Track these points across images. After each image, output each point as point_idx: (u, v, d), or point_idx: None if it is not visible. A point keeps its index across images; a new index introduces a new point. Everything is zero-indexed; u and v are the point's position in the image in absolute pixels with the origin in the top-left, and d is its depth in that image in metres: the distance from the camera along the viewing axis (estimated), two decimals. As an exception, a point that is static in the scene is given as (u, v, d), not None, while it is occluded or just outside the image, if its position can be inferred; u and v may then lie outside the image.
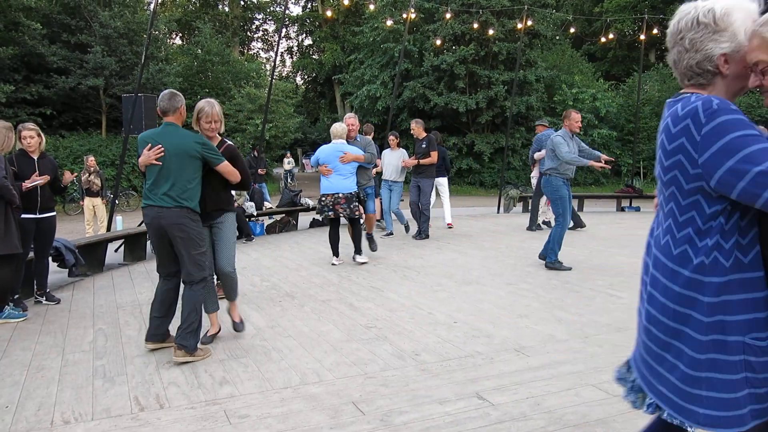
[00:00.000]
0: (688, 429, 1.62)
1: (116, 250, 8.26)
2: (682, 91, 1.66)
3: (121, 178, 10.59)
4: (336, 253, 7.16)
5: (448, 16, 20.55)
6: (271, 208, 11.80)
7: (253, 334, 4.41)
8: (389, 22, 20.62)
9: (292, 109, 26.28)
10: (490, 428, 2.83)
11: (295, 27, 40.88)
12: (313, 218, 11.01)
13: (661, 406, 1.61)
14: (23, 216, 5.00)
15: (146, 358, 3.89)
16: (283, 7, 36.27)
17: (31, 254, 5.44)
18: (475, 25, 20.05)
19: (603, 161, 6.66)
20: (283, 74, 42.60)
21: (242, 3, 37.07)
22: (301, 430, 2.84)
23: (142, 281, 6.49)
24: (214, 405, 3.13)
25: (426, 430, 2.81)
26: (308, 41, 41.41)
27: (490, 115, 23.69)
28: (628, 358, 1.88)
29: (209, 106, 4.00)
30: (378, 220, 9.80)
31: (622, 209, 14.14)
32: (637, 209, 14.03)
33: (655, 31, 19.31)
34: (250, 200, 10.22)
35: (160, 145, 3.76)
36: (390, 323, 4.63)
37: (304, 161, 34.68)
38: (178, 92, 4.01)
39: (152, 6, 10.63)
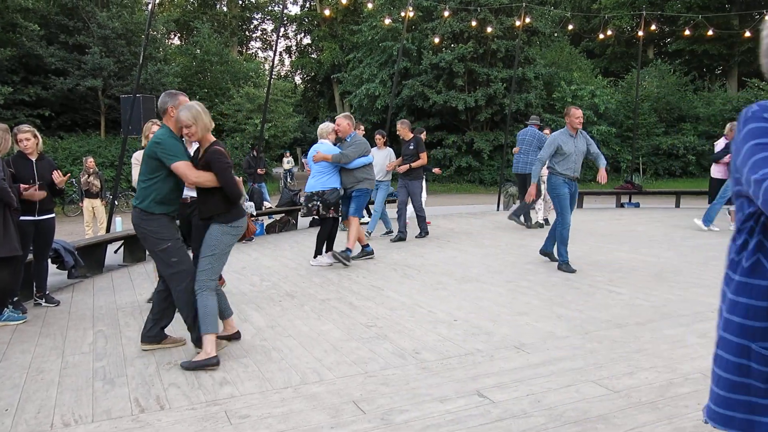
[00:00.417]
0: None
1: (116, 252, 8.25)
2: None
3: (120, 179, 10.58)
4: (315, 254, 7.10)
5: (446, 14, 20.52)
6: (270, 207, 11.80)
7: (252, 333, 4.40)
8: (388, 21, 20.61)
9: (291, 109, 26.26)
10: (491, 426, 2.82)
11: (294, 26, 40.81)
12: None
13: None
14: (22, 218, 4.99)
15: (146, 360, 3.89)
16: (281, 7, 36.23)
17: (31, 256, 5.43)
18: (474, 23, 20.03)
19: (602, 177, 6.65)
20: (282, 73, 42.54)
21: (240, 3, 37.02)
22: (302, 429, 2.84)
23: (142, 282, 6.48)
24: (215, 405, 3.13)
25: (427, 429, 2.81)
26: (307, 40, 41.36)
27: (489, 112, 23.67)
28: None
29: (181, 110, 3.76)
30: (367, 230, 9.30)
31: (622, 205, 14.13)
32: (637, 205, 14.02)
33: (653, 27, 19.30)
34: (250, 200, 10.22)
35: None
36: (390, 322, 4.63)
37: (303, 161, 34.62)
38: (173, 92, 3.97)
39: (150, 6, 10.61)
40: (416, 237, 8.91)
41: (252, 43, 43.24)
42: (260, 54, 42.93)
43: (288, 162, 24.98)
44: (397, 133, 8.93)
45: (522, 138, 10.08)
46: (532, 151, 9.73)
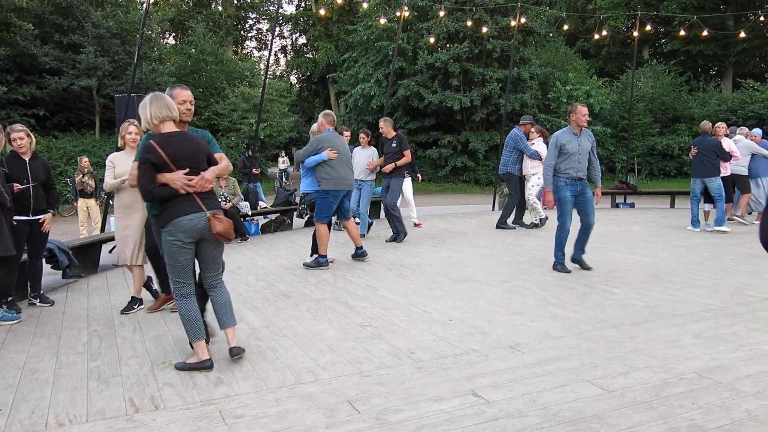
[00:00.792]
0: None
1: (111, 251, 8.22)
2: None
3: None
4: (312, 253, 7.07)
5: (441, 14, 20.55)
6: (265, 207, 11.78)
7: (247, 333, 4.39)
8: (383, 21, 20.65)
9: (287, 108, 26.24)
10: (486, 425, 2.83)
11: (289, 26, 40.80)
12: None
13: None
14: (16, 218, 4.97)
15: (141, 360, 3.88)
16: (276, 6, 36.17)
17: (25, 256, 5.41)
18: (469, 23, 20.07)
19: (596, 194, 6.40)
20: (278, 73, 42.51)
21: (236, 2, 37.00)
22: (297, 429, 2.83)
23: (137, 282, 6.45)
24: (210, 405, 3.13)
25: (421, 428, 2.81)
26: (302, 40, 41.35)
27: (485, 112, 23.71)
28: None
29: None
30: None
31: (617, 206, 14.18)
32: (632, 206, 14.07)
33: (648, 27, 19.35)
34: (245, 200, 10.21)
35: None
36: (385, 322, 4.63)
37: (298, 160, 34.54)
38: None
39: (145, 6, 10.58)
40: (386, 241, 8.55)
41: (247, 42, 43.31)
42: (255, 53, 42.97)
43: (283, 162, 24.95)
44: (380, 130, 8.76)
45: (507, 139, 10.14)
46: (508, 151, 9.83)
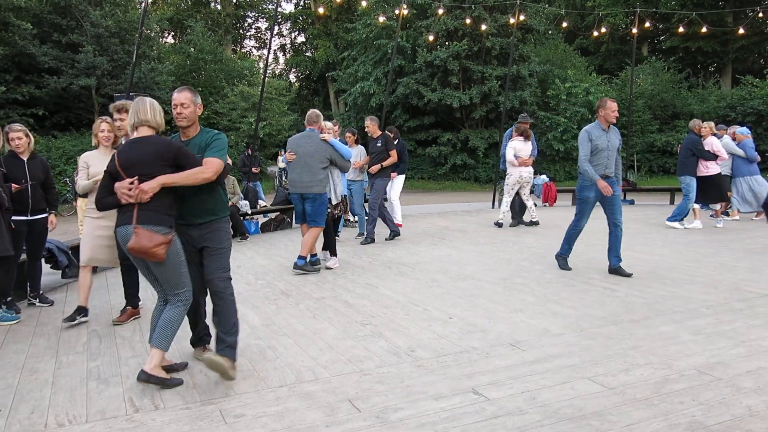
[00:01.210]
0: None
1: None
2: None
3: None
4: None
5: (440, 11, 20.51)
6: (265, 206, 11.77)
7: (248, 332, 4.39)
8: (382, 19, 20.58)
9: (286, 107, 26.19)
10: (486, 423, 2.82)
11: (288, 24, 40.72)
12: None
13: None
14: (15, 218, 4.96)
15: (141, 359, 3.87)
16: (275, 5, 36.14)
17: (24, 256, 5.41)
18: (468, 21, 20.02)
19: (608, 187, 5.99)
20: (277, 72, 42.44)
21: (234, 1, 36.93)
22: (297, 428, 2.83)
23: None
24: (210, 405, 3.12)
25: (422, 426, 2.81)
26: (301, 38, 41.28)
27: (484, 110, 23.69)
28: None
29: None
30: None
31: (617, 203, 14.15)
32: (632, 202, 14.06)
33: (647, 24, 19.32)
34: (245, 198, 10.21)
35: None
36: (385, 320, 4.63)
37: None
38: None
39: (143, 5, 10.56)
40: (362, 243, 8.35)
41: (246, 41, 43.17)
42: (254, 52, 42.89)
43: (283, 160, 24.90)
44: (366, 129, 8.53)
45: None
46: (505, 147, 9.92)
